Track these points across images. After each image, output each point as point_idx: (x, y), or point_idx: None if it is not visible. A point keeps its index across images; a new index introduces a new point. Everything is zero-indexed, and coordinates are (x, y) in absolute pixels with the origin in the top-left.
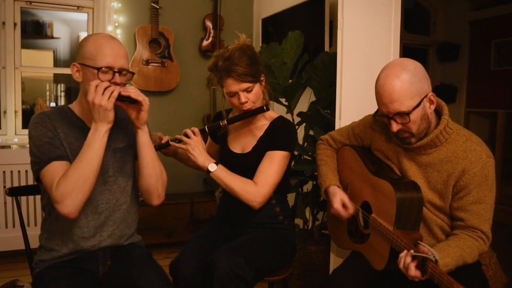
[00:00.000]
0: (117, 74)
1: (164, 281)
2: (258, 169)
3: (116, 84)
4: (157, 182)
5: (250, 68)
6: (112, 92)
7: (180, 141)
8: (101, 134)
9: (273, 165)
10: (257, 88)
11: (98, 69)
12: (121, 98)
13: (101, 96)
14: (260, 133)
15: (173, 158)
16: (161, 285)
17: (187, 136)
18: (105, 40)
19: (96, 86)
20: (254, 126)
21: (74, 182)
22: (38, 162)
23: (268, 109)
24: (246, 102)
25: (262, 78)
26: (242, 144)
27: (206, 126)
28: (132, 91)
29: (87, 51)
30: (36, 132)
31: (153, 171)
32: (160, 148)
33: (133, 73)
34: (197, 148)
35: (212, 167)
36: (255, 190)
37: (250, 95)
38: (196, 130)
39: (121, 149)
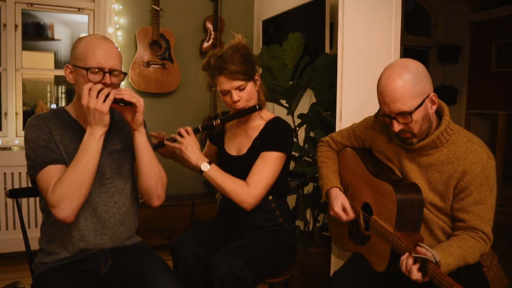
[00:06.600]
0: (107, 75)
1: (168, 272)
2: (251, 169)
3: (106, 85)
4: (157, 183)
5: (243, 66)
6: (107, 95)
7: (174, 140)
8: (97, 138)
9: (267, 166)
10: (250, 87)
11: (87, 69)
12: (115, 100)
13: (96, 99)
14: (255, 133)
15: (172, 160)
16: (164, 276)
17: (180, 135)
18: (97, 41)
19: (90, 90)
20: (249, 127)
21: (69, 186)
22: (34, 166)
23: (261, 108)
24: (239, 100)
25: (256, 77)
26: (237, 145)
27: (200, 126)
28: (125, 93)
29: (79, 52)
30: (32, 135)
31: (151, 172)
32: (156, 147)
33: (125, 74)
34: (190, 147)
35: (205, 166)
36: (246, 191)
37: (243, 93)
38: (189, 129)
39: (118, 151)
